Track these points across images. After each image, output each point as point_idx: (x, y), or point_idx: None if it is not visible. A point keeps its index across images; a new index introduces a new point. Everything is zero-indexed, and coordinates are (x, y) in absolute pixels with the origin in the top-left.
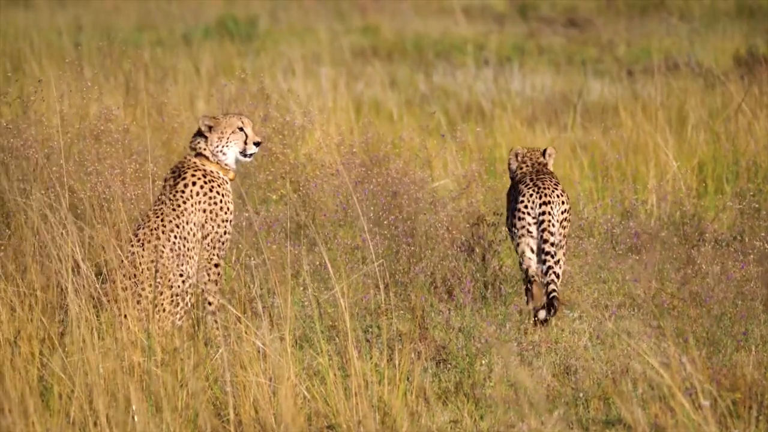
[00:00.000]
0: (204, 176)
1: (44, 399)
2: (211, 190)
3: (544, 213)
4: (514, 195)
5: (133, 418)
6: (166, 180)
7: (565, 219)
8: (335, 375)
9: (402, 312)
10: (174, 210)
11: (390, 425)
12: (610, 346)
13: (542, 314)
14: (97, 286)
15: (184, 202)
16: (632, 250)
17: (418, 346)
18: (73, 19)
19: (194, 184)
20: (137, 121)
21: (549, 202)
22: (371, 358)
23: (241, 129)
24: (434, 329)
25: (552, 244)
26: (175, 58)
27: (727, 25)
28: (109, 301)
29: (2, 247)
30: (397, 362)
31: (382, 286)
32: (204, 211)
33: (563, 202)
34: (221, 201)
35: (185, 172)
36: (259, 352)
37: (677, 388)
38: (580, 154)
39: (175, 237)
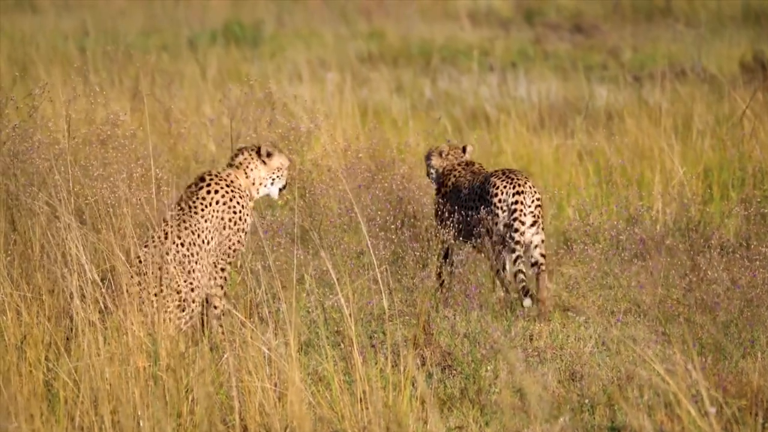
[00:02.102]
0: (227, 186)
1: (50, 404)
2: (231, 200)
3: (516, 202)
4: (472, 192)
5: (138, 423)
6: (189, 186)
7: (539, 207)
8: (340, 380)
9: (407, 317)
10: (192, 216)
11: (395, 431)
12: (615, 353)
13: (527, 302)
14: (102, 290)
15: (203, 209)
16: (638, 256)
17: (423, 352)
18: (80, 24)
19: (216, 192)
20: (143, 126)
21: (522, 192)
22: (376, 363)
23: (287, 170)
24: (439, 335)
25: (521, 233)
26: (181, 63)
27: (733, 31)
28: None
29: (9, 252)
30: (402, 368)
31: (387, 292)
32: (222, 219)
33: (536, 192)
34: (240, 211)
35: (211, 181)
36: (264, 357)
37: (683, 395)
38: (586, 160)
39: (191, 243)
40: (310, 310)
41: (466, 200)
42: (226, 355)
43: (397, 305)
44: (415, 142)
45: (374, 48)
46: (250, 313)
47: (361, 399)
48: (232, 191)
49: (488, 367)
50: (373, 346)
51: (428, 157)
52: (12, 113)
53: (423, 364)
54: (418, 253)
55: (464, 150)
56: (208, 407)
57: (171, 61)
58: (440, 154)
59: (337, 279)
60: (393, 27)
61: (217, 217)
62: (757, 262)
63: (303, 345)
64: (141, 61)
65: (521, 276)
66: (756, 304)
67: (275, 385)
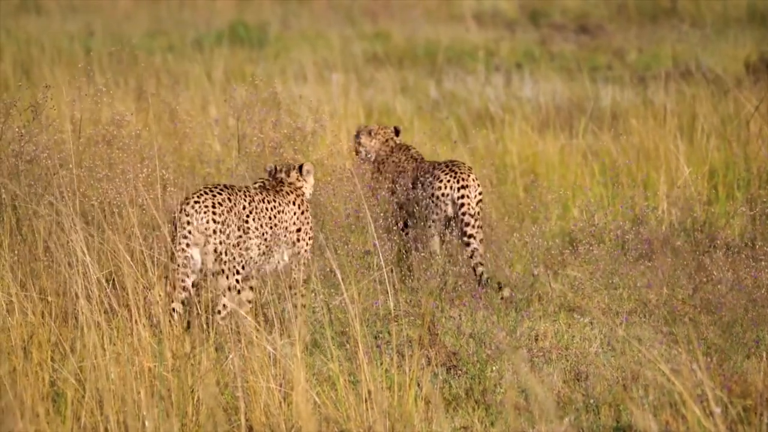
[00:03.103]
0: (297, 190)
1: (55, 404)
2: (302, 204)
3: (463, 197)
4: (418, 178)
5: (143, 423)
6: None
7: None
8: (346, 381)
9: (412, 318)
10: (271, 210)
11: (400, 431)
12: (621, 353)
13: (506, 292)
14: (108, 291)
15: (284, 204)
16: (643, 256)
17: (428, 352)
18: (85, 25)
19: (292, 193)
20: (149, 127)
21: (467, 186)
22: (381, 363)
23: None
24: (445, 335)
25: (473, 226)
26: (187, 64)
27: (738, 32)
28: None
29: (15, 253)
30: (407, 368)
31: (392, 292)
32: (295, 213)
33: (479, 185)
34: (305, 212)
35: (290, 185)
36: (270, 357)
37: (688, 395)
38: (591, 161)
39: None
40: (315, 310)
41: (406, 189)
42: (231, 356)
43: (402, 305)
44: (420, 142)
45: (379, 49)
46: (256, 313)
47: (366, 399)
48: (300, 196)
49: (493, 368)
50: (378, 346)
51: (357, 135)
52: (17, 114)
53: (428, 365)
54: (422, 254)
55: (396, 132)
56: (213, 407)
57: (176, 62)
58: (369, 133)
59: (343, 279)
60: (398, 28)
61: (291, 211)
62: (763, 262)
63: (308, 345)
64: (146, 62)
65: (481, 269)
66: (761, 304)
67: (280, 386)
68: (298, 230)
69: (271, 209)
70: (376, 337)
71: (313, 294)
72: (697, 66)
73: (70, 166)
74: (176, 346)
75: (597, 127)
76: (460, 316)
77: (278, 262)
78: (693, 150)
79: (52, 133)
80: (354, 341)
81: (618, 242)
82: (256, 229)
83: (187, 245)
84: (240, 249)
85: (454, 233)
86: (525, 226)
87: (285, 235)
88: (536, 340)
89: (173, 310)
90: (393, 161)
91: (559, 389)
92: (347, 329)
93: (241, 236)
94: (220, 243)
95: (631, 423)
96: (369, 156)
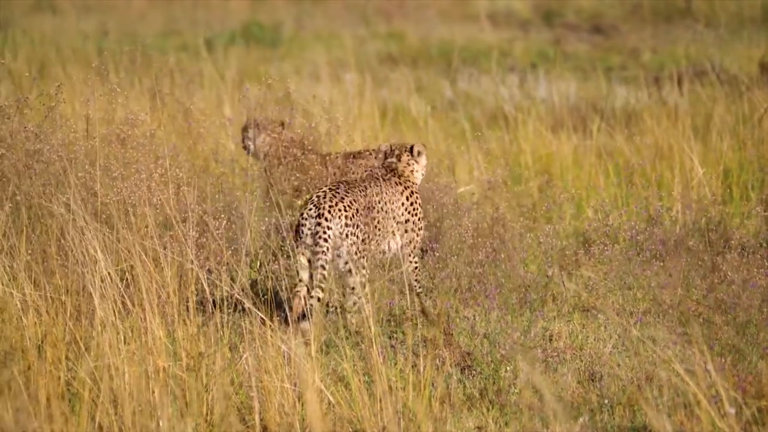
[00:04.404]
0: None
1: (70, 403)
2: (411, 194)
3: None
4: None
5: (158, 423)
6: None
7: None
8: (360, 381)
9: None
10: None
11: (414, 431)
12: (635, 353)
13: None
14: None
15: (394, 193)
16: (657, 256)
17: (442, 352)
18: (99, 24)
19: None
20: (163, 126)
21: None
22: (396, 363)
23: None
24: (459, 335)
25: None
26: (201, 64)
27: (752, 32)
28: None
29: (28, 252)
30: (421, 368)
31: (407, 292)
32: (403, 204)
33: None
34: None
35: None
36: (284, 357)
37: (702, 396)
38: (605, 161)
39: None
40: (329, 309)
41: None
42: (245, 355)
43: (417, 305)
44: (434, 142)
45: (394, 49)
46: (271, 312)
47: (380, 399)
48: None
49: (507, 368)
50: (392, 346)
51: (245, 129)
52: (30, 113)
53: (442, 365)
54: (438, 254)
55: (282, 125)
56: (228, 407)
57: (190, 62)
58: (257, 127)
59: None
60: (412, 28)
61: (399, 202)
62: None
63: (323, 345)
64: (160, 62)
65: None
66: None
67: (294, 385)
68: (407, 221)
69: (387, 200)
70: (390, 337)
71: (328, 294)
72: (711, 66)
73: (86, 166)
74: (190, 346)
75: (611, 127)
76: (474, 316)
77: (385, 252)
78: (707, 150)
79: (66, 132)
80: (368, 341)
81: (632, 242)
82: (377, 222)
83: (325, 249)
84: (366, 246)
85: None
86: (539, 226)
87: (394, 225)
88: (550, 340)
89: (310, 306)
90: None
91: (573, 389)
92: (361, 329)
93: (367, 234)
94: (352, 244)
95: (646, 424)
96: (268, 157)
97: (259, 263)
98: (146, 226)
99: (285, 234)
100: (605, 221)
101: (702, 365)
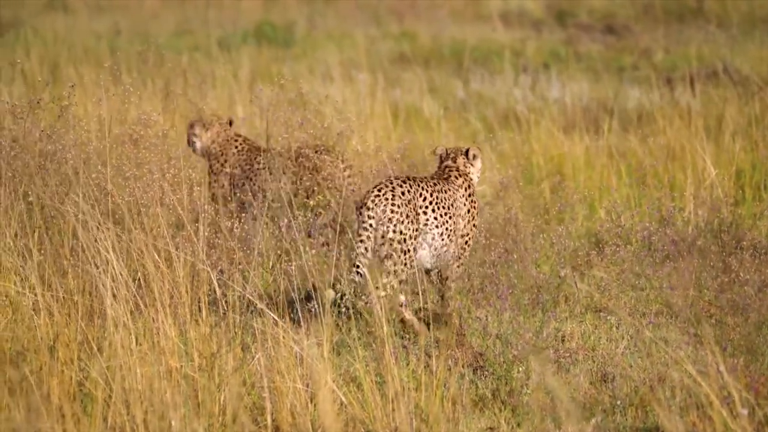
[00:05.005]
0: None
1: (82, 403)
2: (471, 194)
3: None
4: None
5: (170, 423)
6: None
7: None
8: (372, 381)
9: (439, 318)
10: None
11: None
12: (647, 354)
13: None
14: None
15: (456, 202)
16: (669, 257)
17: (455, 353)
18: (111, 24)
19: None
20: (175, 127)
21: None
22: (408, 364)
23: None
24: (471, 336)
25: None
26: (213, 64)
27: (764, 33)
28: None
29: (41, 252)
30: (434, 369)
31: (419, 292)
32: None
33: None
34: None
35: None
36: (296, 357)
37: (715, 397)
38: (618, 161)
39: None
40: (342, 310)
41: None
42: (257, 356)
43: (430, 306)
44: (447, 142)
45: (406, 49)
46: (283, 313)
47: (392, 400)
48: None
49: (520, 368)
50: (404, 347)
51: (191, 126)
52: (43, 114)
53: (455, 365)
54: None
55: (230, 123)
56: (240, 408)
57: (202, 62)
58: (203, 125)
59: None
60: (425, 28)
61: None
62: None
63: (335, 346)
64: (173, 62)
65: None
66: None
67: (307, 386)
68: (468, 221)
69: (448, 199)
70: (402, 338)
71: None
72: (723, 67)
73: (99, 166)
74: (202, 347)
75: (623, 127)
76: (486, 317)
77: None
78: (719, 151)
79: (78, 132)
80: (380, 342)
81: (644, 243)
82: (435, 219)
83: (367, 237)
84: (413, 240)
85: None
86: (551, 226)
87: (454, 225)
88: (562, 341)
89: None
90: (234, 154)
91: (586, 390)
92: (374, 329)
93: (417, 228)
94: (399, 232)
95: (658, 424)
96: (214, 155)
97: (271, 264)
98: (159, 227)
99: (296, 234)
100: (617, 222)
101: (714, 366)
